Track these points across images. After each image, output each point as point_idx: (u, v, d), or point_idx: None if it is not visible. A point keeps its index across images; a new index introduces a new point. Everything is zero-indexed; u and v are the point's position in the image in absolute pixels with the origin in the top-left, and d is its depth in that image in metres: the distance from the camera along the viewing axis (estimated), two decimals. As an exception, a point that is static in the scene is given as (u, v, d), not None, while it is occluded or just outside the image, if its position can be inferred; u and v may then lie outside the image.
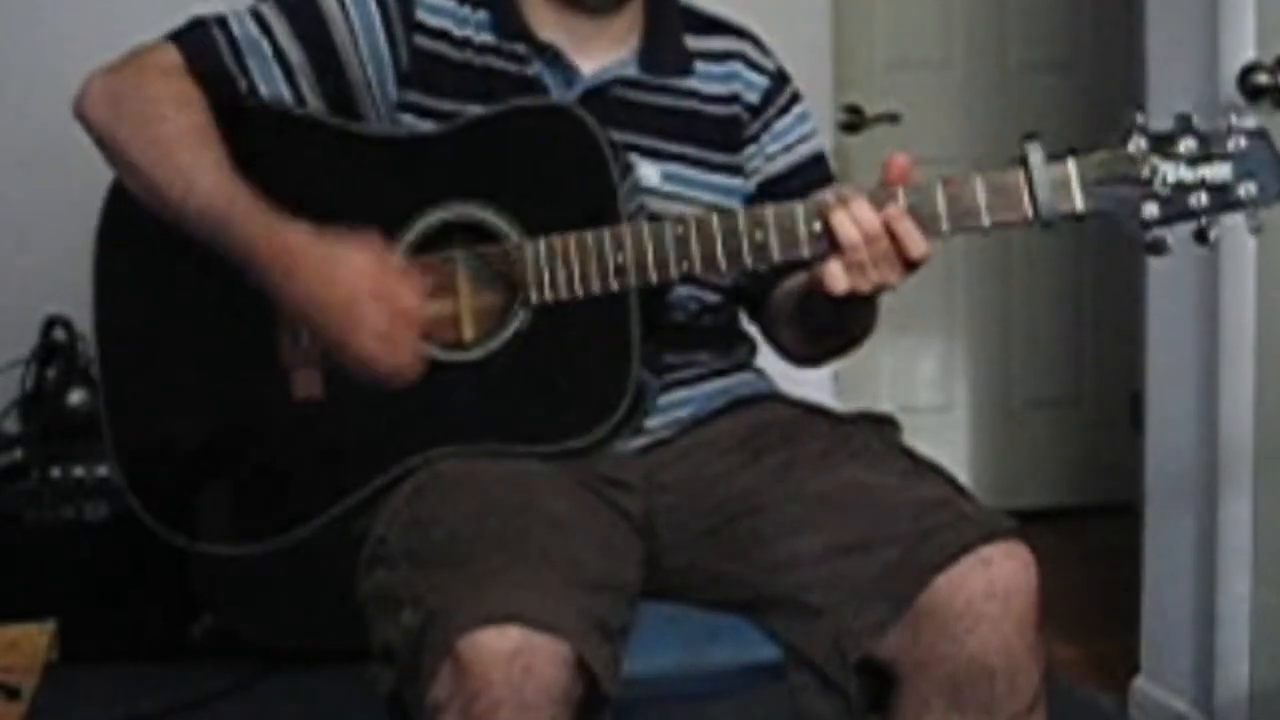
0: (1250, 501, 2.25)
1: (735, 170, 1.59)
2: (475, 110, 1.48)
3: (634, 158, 1.51)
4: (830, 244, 1.38)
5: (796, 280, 1.55)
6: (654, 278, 1.42)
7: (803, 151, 1.64)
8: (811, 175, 1.62)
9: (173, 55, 1.51)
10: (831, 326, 1.54)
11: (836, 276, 1.38)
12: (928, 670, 1.33)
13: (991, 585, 1.32)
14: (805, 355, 1.63)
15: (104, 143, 1.49)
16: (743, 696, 1.51)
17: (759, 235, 1.41)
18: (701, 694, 1.52)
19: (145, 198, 1.47)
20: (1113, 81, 3.72)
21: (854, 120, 3.60)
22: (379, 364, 1.40)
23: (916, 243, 1.37)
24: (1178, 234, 1.38)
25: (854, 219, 1.37)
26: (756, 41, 1.65)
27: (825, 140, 1.72)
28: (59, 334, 2.88)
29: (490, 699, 1.21)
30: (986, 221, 1.38)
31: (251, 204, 1.41)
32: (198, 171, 1.42)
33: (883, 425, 1.55)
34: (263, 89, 1.51)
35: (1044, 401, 3.97)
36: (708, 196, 1.55)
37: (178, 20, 1.55)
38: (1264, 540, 2.24)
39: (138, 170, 1.46)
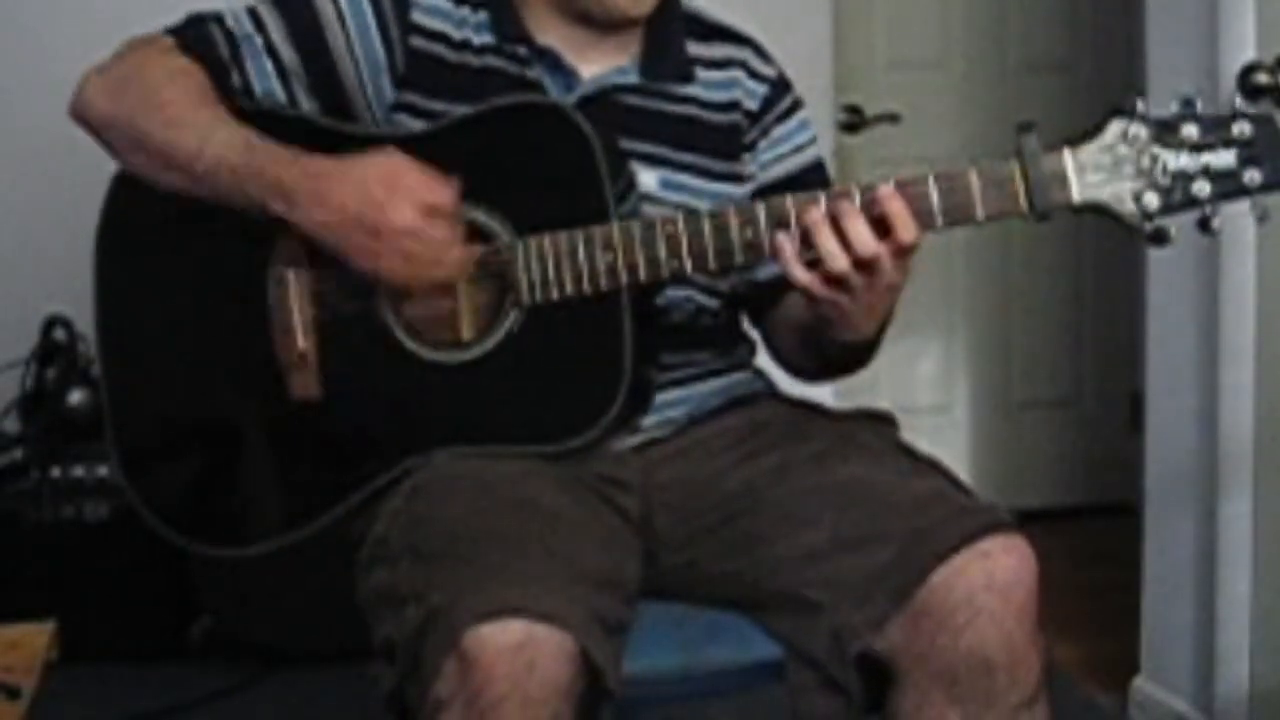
0: (1250, 501, 2.25)
1: (735, 178, 1.58)
2: (463, 109, 1.48)
3: (633, 164, 1.50)
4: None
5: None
6: (644, 277, 1.41)
7: (800, 160, 1.62)
8: (808, 183, 1.58)
9: (168, 41, 1.52)
10: (834, 337, 1.54)
11: (796, 270, 1.36)
12: (927, 663, 1.33)
13: (990, 578, 1.32)
14: (806, 367, 1.61)
15: (107, 128, 1.49)
16: (743, 696, 1.51)
17: (750, 233, 1.40)
18: (701, 694, 1.52)
19: (150, 169, 1.46)
20: (1113, 81, 3.71)
21: (854, 120, 3.59)
22: (417, 258, 1.37)
23: (906, 226, 1.33)
24: (1179, 222, 1.35)
25: (841, 236, 1.34)
26: (758, 49, 1.64)
27: (825, 145, 1.70)
28: (59, 334, 2.88)
29: (494, 694, 1.21)
30: (980, 214, 1.36)
31: (269, 144, 1.41)
32: (209, 127, 1.43)
33: (880, 423, 1.55)
34: (256, 86, 1.51)
35: (1044, 401, 3.96)
36: (707, 204, 1.53)
37: (174, 19, 1.55)
38: (1264, 540, 2.23)
39: (146, 140, 1.45)
